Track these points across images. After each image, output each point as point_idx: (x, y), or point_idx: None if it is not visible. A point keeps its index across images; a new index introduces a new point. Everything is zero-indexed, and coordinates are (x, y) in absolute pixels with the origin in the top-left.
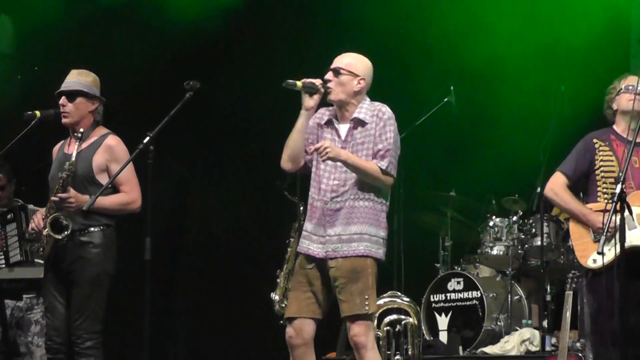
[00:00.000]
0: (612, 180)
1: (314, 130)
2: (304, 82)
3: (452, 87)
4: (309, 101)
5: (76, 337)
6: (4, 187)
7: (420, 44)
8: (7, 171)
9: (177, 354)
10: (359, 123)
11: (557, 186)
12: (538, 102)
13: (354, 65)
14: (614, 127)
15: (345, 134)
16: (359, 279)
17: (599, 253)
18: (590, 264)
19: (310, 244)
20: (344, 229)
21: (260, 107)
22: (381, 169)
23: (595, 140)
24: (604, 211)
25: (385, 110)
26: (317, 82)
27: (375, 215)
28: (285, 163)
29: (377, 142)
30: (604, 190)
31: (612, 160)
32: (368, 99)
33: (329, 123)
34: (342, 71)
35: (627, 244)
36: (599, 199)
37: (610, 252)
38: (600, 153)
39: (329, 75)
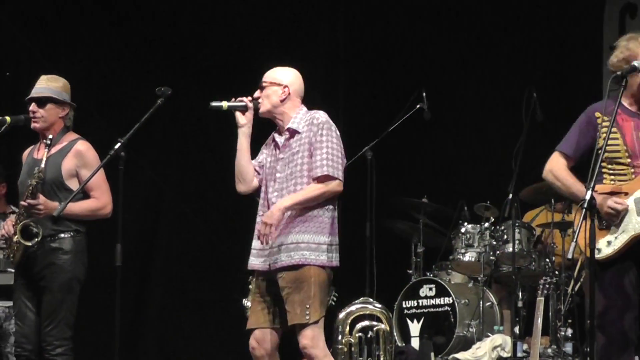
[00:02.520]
0: (619, 160)
1: (269, 151)
2: (231, 102)
3: (424, 94)
4: (241, 119)
5: (46, 343)
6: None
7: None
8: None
9: None
10: (293, 133)
11: (556, 167)
12: (510, 108)
13: (275, 75)
14: (622, 98)
15: (281, 145)
16: (301, 289)
17: (568, 259)
18: (595, 254)
19: (253, 259)
20: (284, 239)
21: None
22: (320, 177)
23: (597, 114)
24: (612, 193)
25: (319, 116)
26: (246, 99)
27: (316, 222)
28: (239, 186)
29: (315, 149)
30: (610, 171)
31: (617, 138)
32: (304, 108)
33: (272, 139)
34: (264, 84)
35: (637, 231)
36: (604, 180)
37: (617, 241)
38: (603, 129)
39: (257, 92)
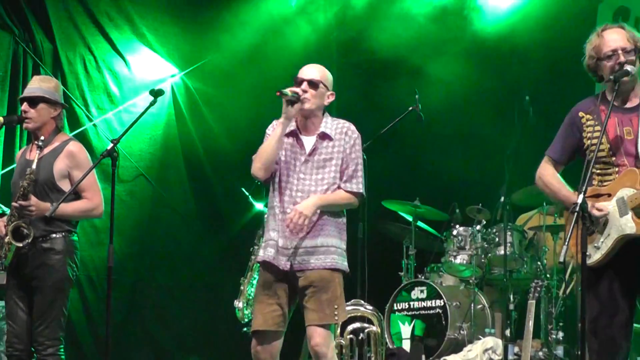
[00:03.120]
0: (603, 159)
1: (289, 146)
2: (292, 90)
3: (417, 96)
4: (291, 110)
5: (38, 343)
6: None
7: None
8: None
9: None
10: (325, 137)
11: (544, 173)
12: (503, 111)
13: (328, 79)
14: (606, 92)
15: (310, 148)
16: (328, 289)
17: (560, 263)
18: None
19: (276, 254)
20: (310, 241)
21: (229, 113)
22: (354, 192)
23: (581, 114)
24: (597, 196)
25: (354, 129)
26: (299, 90)
27: (339, 228)
28: (259, 171)
29: (348, 161)
30: (598, 171)
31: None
32: (327, 113)
33: (292, 134)
34: (320, 84)
35: (620, 232)
36: (593, 181)
37: (604, 245)
38: (588, 129)
39: (305, 86)
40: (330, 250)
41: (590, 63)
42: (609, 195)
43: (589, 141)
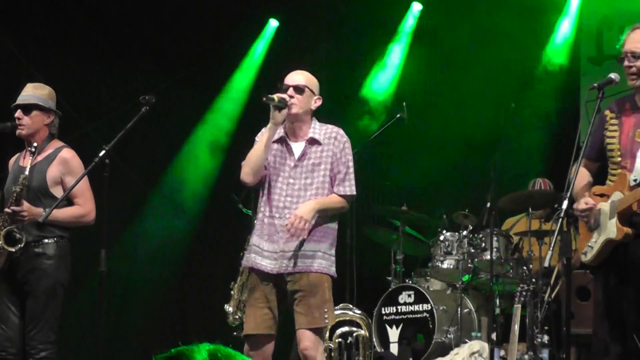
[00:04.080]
0: (613, 159)
1: (277, 152)
2: (278, 96)
3: (405, 103)
4: (279, 116)
5: (30, 347)
6: None
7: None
8: None
9: None
10: (314, 143)
11: (573, 171)
12: (488, 118)
13: (313, 84)
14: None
15: (299, 153)
16: (316, 293)
17: (545, 267)
18: (582, 257)
19: (262, 260)
20: (299, 245)
21: (217, 121)
22: (347, 195)
23: (607, 112)
24: (603, 195)
25: (343, 134)
26: (285, 97)
27: (329, 233)
28: (248, 176)
29: (338, 165)
30: (611, 170)
31: (614, 137)
32: (314, 119)
33: (281, 141)
34: (305, 89)
35: (606, 236)
36: (608, 181)
37: (596, 245)
38: (609, 127)
39: (291, 92)
40: (318, 255)
41: (619, 57)
42: (608, 196)
43: (607, 139)
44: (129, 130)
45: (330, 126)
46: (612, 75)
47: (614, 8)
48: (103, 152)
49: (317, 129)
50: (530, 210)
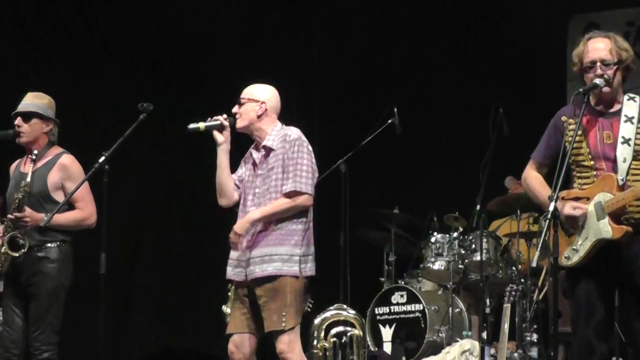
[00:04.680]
0: (583, 163)
1: (247, 166)
2: (208, 122)
3: (396, 109)
4: (219, 137)
5: (34, 348)
6: None
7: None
8: None
9: None
10: (268, 150)
11: (528, 176)
12: (477, 123)
13: (253, 92)
14: (590, 99)
15: (259, 162)
16: (277, 298)
17: (533, 267)
18: (564, 262)
19: (231, 270)
20: (259, 251)
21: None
22: (290, 192)
23: (564, 118)
24: (576, 199)
25: (291, 133)
26: (222, 117)
27: (289, 235)
28: (220, 200)
29: (287, 165)
30: (578, 174)
31: (581, 141)
32: (279, 124)
33: (249, 154)
34: (242, 100)
35: (598, 236)
36: (574, 184)
37: (582, 248)
38: (570, 132)
39: (235, 108)
40: (274, 259)
41: (575, 70)
42: (588, 199)
43: (569, 145)
44: (127, 137)
45: (288, 129)
46: (597, 81)
47: (599, 15)
48: (102, 158)
49: (273, 135)
50: (518, 212)
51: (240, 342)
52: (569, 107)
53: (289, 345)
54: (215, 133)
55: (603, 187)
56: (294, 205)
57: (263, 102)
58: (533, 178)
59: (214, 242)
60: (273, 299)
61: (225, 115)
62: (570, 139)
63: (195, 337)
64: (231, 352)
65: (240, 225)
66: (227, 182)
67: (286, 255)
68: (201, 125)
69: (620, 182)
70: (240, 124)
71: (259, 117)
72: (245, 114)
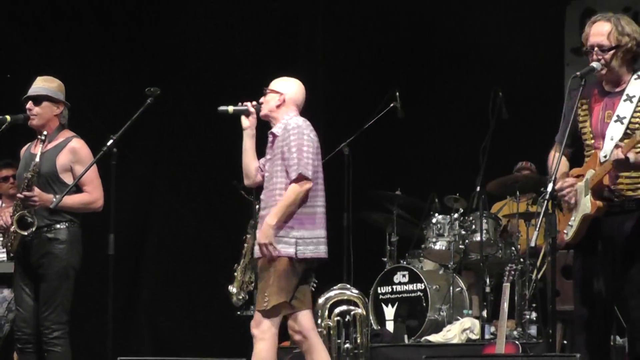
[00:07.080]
0: (586, 142)
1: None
2: (237, 107)
3: (398, 93)
4: (245, 121)
5: (44, 327)
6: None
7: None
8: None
9: (140, 344)
10: (275, 137)
11: (549, 157)
12: (477, 107)
13: (276, 84)
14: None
15: (268, 147)
16: (264, 277)
17: (531, 247)
18: (565, 238)
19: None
20: (259, 233)
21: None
22: (292, 180)
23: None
24: (579, 176)
25: (291, 122)
26: (250, 104)
27: (287, 218)
28: (244, 180)
29: (285, 152)
30: (585, 152)
31: (585, 120)
32: (292, 114)
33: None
34: (266, 91)
35: (582, 212)
36: (585, 163)
37: (575, 223)
38: (580, 112)
39: (262, 98)
40: None
41: (583, 50)
42: (582, 176)
43: (580, 125)
44: (135, 121)
45: (295, 118)
46: (594, 64)
47: (596, 1)
48: (111, 141)
49: (282, 123)
50: (517, 193)
51: (295, 320)
52: (586, 88)
53: (259, 322)
54: (242, 118)
55: (590, 165)
56: (299, 192)
57: (282, 94)
58: (552, 158)
59: (221, 224)
60: (262, 279)
61: (254, 102)
62: (581, 119)
63: (203, 316)
64: (290, 334)
65: (263, 235)
66: (250, 164)
67: (282, 237)
68: (230, 108)
69: (602, 159)
70: (262, 112)
71: (277, 107)
72: (266, 103)
